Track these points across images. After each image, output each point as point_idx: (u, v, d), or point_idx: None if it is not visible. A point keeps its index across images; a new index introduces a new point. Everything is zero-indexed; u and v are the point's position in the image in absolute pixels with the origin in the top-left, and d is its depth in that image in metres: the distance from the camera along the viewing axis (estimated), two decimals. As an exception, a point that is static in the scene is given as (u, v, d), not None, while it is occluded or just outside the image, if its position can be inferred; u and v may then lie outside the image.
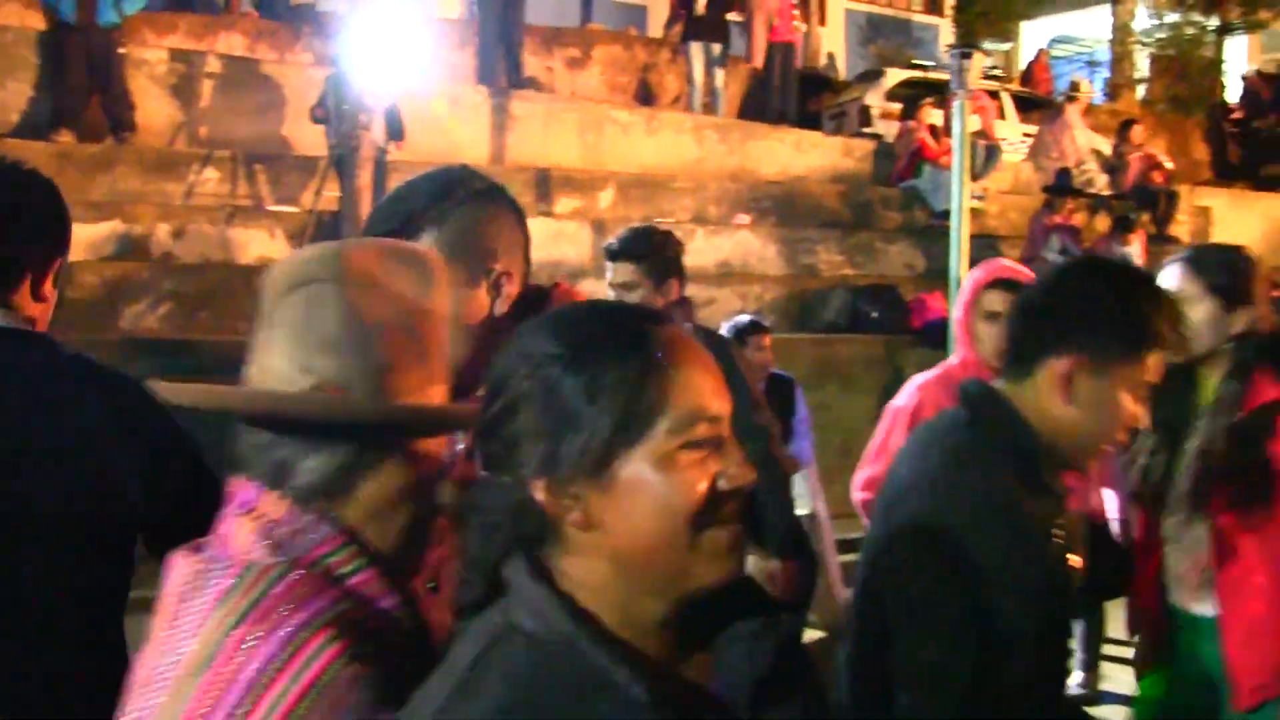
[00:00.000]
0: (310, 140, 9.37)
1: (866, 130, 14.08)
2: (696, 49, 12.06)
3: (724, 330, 5.90)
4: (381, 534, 1.23)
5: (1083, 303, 1.88)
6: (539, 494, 1.10)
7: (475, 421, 1.24)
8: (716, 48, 11.97)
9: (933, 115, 11.99)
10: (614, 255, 3.70)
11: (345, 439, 1.21)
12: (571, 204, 10.39)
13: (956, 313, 3.57)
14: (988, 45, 24.91)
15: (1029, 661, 1.71)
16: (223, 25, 12.11)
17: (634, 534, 1.09)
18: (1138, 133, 13.03)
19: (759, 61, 12.27)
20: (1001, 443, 1.84)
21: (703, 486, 1.09)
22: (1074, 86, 13.39)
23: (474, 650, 1.10)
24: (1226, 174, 17.99)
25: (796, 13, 12.07)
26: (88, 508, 1.82)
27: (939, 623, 1.71)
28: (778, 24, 11.84)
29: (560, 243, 9.83)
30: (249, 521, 1.19)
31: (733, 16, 12.56)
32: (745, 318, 6.04)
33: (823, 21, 23.56)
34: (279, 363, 1.21)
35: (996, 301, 3.38)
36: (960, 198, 8.59)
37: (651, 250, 3.71)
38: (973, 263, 10.78)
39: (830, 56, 21.85)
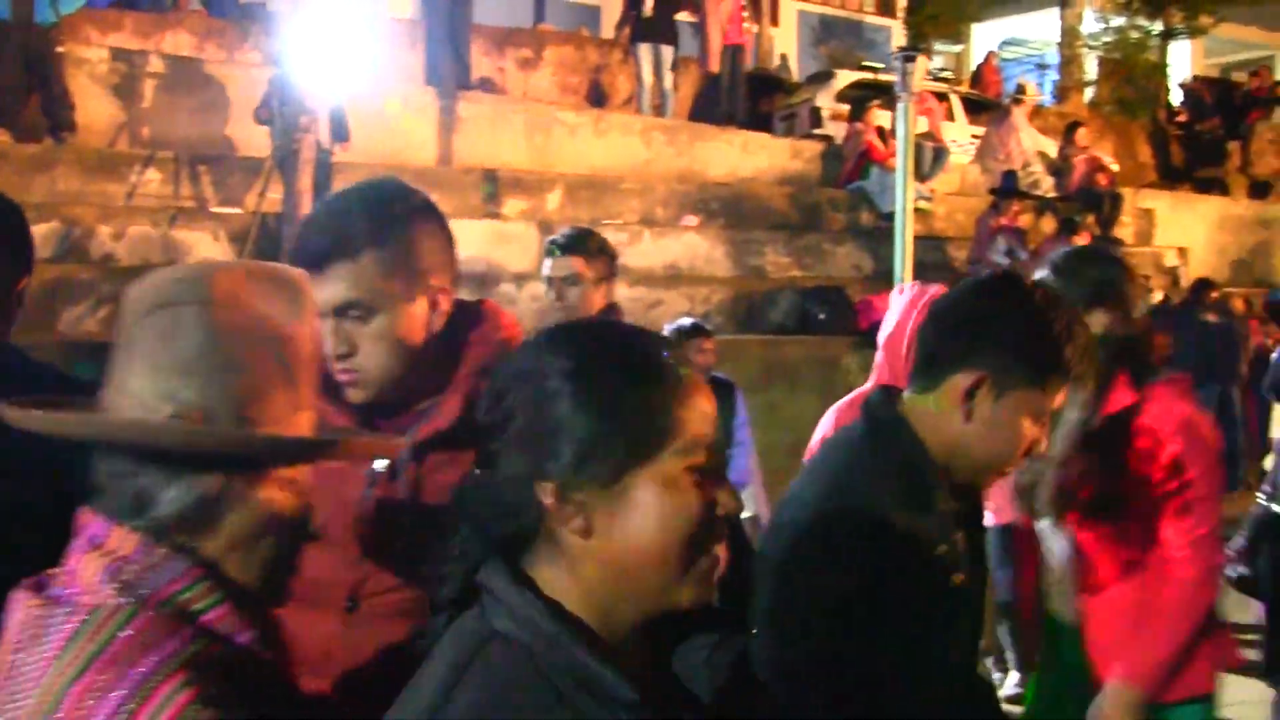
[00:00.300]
0: (255, 141, 9.29)
1: (817, 131, 14.14)
2: (645, 50, 12.06)
3: (665, 333, 5.88)
4: (243, 566, 1.20)
5: (994, 321, 1.85)
6: (546, 497, 1.15)
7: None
8: (666, 49, 11.97)
9: (880, 117, 12.07)
10: (560, 249, 3.72)
11: (207, 468, 1.18)
12: (519, 205, 10.36)
13: (887, 331, 3.44)
14: (939, 47, 25.15)
15: (916, 678, 1.71)
16: (169, 23, 11.99)
17: (632, 546, 1.16)
18: (1083, 135, 13.17)
19: (714, 65, 12.29)
20: (890, 457, 1.81)
21: (700, 509, 1.17)
22: (1020, 89, 13.52)
23: (454, 654, 1.14)
24: (1170, 176, 18.24)
25: (746, 15, 12.05)
26: None
27: (810, 653, 1.72)
28: (728, 27, 11.86)
29: (507, 244, 9.80)
30: (97, 558, 1.14)
31: (684, 17, 12.59)
32: (687, 321, 6.01)
33: (775, 22, 23.64)
34: (138, 386, 1.18)
35: None
36: (904, 200, 8.65)
37: (596, 248, 3.78)
38: (918, 265, 10.92)
39: (783, 58, 21.89)
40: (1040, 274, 2.65)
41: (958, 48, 25.73)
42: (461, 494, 1.22)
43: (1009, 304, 1.87)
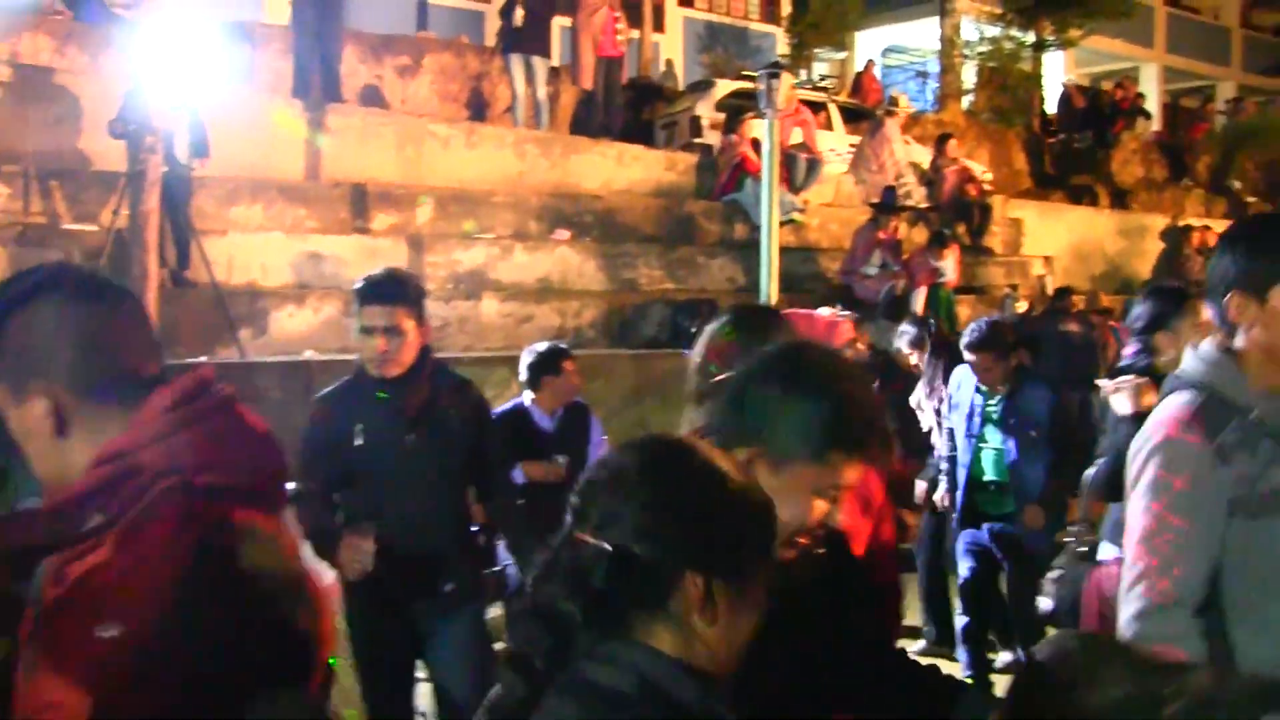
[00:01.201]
0: (111, 155, 8.98)
1: (697, 141, 14.17)
2: (516, 61, 11.95)
3: (526, 358, 5.82)
4: None
5: (762, 401, 1.87)
6: (693, 587, 1.38)
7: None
8: (538, 60, 11.87)
9: (755, 128, 12.12)
10: (377, 297, 3.55)
11: None
12: (388, 220, 10.21)
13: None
14: (824, 54, 25.45)
15: None
16: (27, 26, 11.52)
17: (735, 640, 1.43)
18: (953, 146, 13.41)
19: (586, 80, 12.22)
20: None
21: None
22: (893, 101, 13.71)
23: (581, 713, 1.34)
24: (1044, 183, 18.72)
25: (621, 26, 12.01)
26: None
27: None
28: (601, 40, 11.80)
29: (375, 260, 9.64)
30: None
31: (562, 20, 12.46)
32: (543, 345, 5.95)
33: (661, 29, 23.72)
34: None
35: None
36: (769, 215, 8.72)
37: (415, 295, 3.66)
38: (792, 276, 11.02)
39: (669, 64, 21.96)
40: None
41: (841, 55, 26.06)
42: (555, 553, 1.43)
43: (781, 383, 1.88)
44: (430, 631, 3.73)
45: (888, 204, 11.46)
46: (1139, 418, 4.28)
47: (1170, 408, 2.35)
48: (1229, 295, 2.29)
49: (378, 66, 15.18)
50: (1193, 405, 2.31)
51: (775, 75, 8.71)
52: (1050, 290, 12.19)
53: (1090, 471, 4.43)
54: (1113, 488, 4.36)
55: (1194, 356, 2.38)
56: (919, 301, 10.85)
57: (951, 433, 6.17)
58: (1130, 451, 2.37)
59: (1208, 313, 4.59)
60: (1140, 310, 4.57)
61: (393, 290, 3.57)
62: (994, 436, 5.85)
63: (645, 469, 1.44)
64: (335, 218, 10.02)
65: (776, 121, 8.72)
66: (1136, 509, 2.32)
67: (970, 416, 5.96)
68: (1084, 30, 21.14)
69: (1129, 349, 4.61)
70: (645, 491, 1.41)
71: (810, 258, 11.79)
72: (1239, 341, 2.31)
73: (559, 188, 11.47)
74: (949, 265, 11.10)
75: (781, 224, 11.73)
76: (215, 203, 9.39)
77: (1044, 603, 4.08)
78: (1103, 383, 4.61)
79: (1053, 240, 14.28)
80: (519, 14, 11.66)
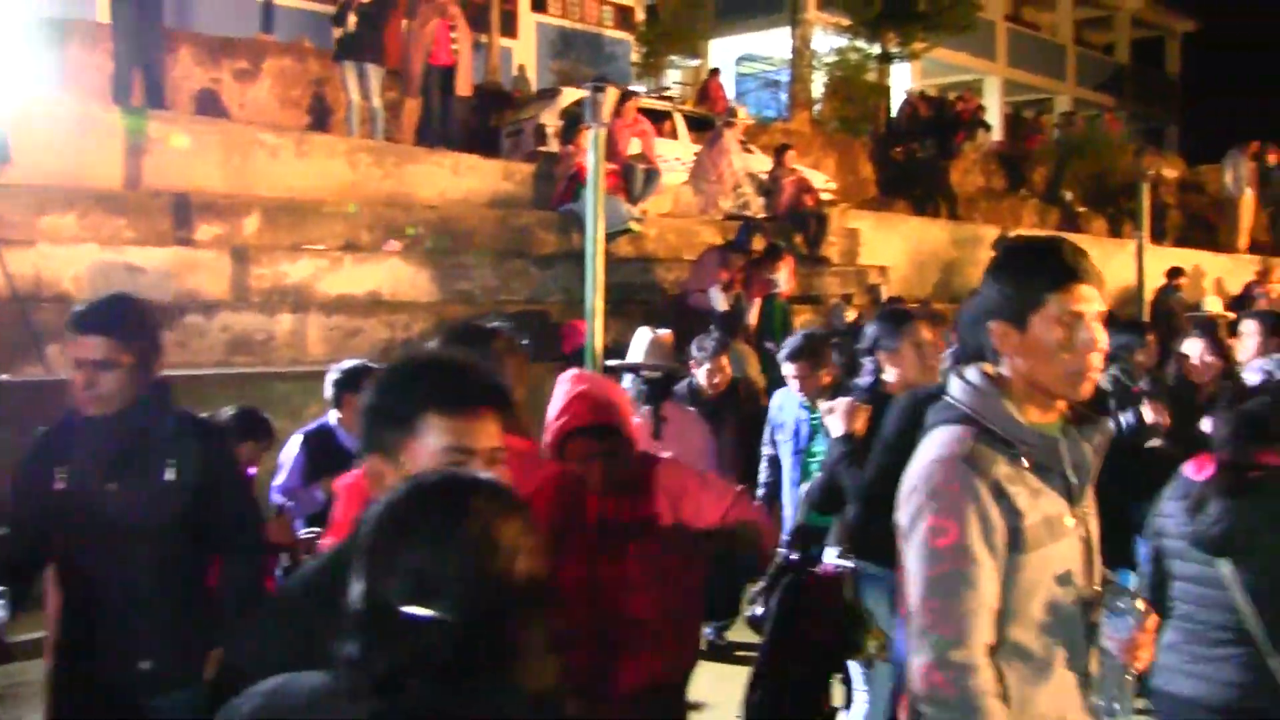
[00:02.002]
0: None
1: (542, 149, 14.12)
2: (349, 68, 11.73)
3: (331, 376, 5.70)
4: None
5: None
6: None
7: None
8: (371, 68, 11.67)
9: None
10: (85, 326, 3.18)
11: None
12: (212, 231, 9.91)
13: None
14: (678, 62, 25.65)
15: None
16: None
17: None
18: (791, 157, 13.61)
19: (413, 89, 12.04)
20: None
21: None
22: (731, 112, 13.86)
23: None
24: (889, 192, 19.17)
25: (455, 35, 11.86)
26: None
27: None
28: (434, 49, 11.65)
29: (197, 273, 9.39)
30: None
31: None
32: (349, 363, 5.84)
33: (514, 34, 23.62)
34: None
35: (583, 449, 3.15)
36: (594, 228, 8.68)
37: (132, 322, 3.29)
38: (628, 286, 11.03)
39: (521, 69, 21.90)
40: None
41: (695, 63, 26.31)
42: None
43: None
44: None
45: (739, 244, 11.52)
46: (848, 438, 4.43)
47: (942, 442, 2.35)
48: (993, 323, 2.32)
49: (215, 70, 14.80)
50: (965, 441, 2.31)
51: (600, 89, 8.68)
52: (884, 299, 12.45)
53: (807, 486, 4.60)
54: (826, 501, 4.49)
55: (961, 385, 2.39)
56: (753, 313, 10.97)
57: (772, 459, 6.22)
58: (905, 488, 2.35)
59: (927, 333, 4.74)
60: (869, 330, 4.71)
61: (104, 319, 3.19)
62: (821, 448, 5.86)
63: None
64: (155, 229, 9.69)
65: (601, 134, 8.68)
66: (917, 550, 2.29)
67: (796, 432, 6.00)
68: (927, 43, 21.72)
69: (866, 369, 4.75)
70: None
71: (647, 268, 11.83)
72: (1005, 369, 2.35)
73: (393, 198, 11.29)
74: (783, 277, 11.25)
75: (618, 234, 11.81)
76: (23, 211, 9.00)
77: (754, 609, 4.24)
78: (821, 404, 4.72)
79: (889, 250, 14.59)
80: (351, 20, 11.45)
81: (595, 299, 8.63)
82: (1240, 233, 19.47)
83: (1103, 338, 2.29)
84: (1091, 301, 2.28)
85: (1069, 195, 20.91)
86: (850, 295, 12.47)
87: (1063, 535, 2.30)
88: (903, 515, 2.33)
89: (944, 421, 2.37)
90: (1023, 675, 2.28)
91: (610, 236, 11.69)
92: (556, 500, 2.91)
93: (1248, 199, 19.22)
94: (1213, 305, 13.19)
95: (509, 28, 23.39)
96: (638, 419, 5.30)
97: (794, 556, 4.61)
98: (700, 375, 6.93)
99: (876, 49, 21.24)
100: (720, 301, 10.75)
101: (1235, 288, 16.62)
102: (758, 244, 12.54)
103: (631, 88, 16.31)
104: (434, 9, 11.56)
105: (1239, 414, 3.35)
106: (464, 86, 12.06)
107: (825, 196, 15.61)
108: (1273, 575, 3.27)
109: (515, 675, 1.48)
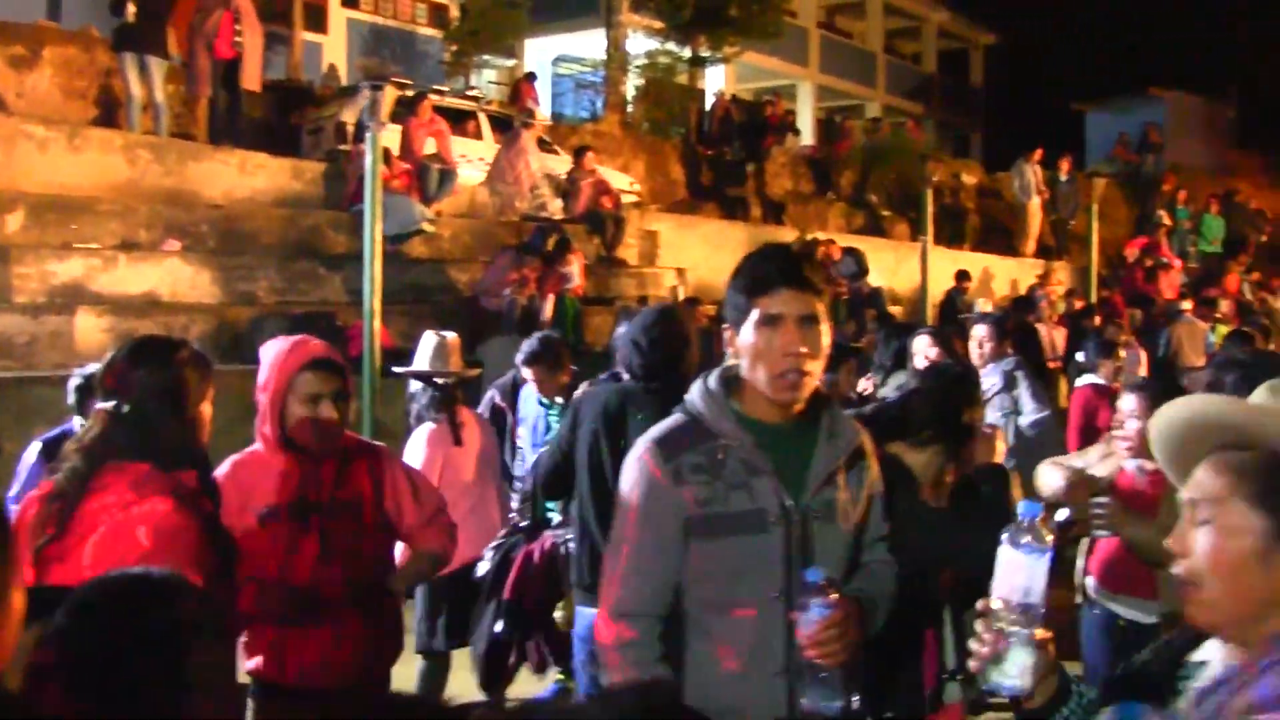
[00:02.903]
0: None
1: (343, 148, 13.86)
2: (130, 60, 11.27)
3: (74, 381, 5.49)
4: None
5: None
6: None
7: None
8: (154, 60, 11.23)
9: (384, 138, 11.97)
10: None
11: None
12: (-28, 229, 9.46)
13: (262, 396, 3.35)
14: (493, 61, 25.49)
15: None
16: None
17: None
18: (590, 159, 13.66)
19: (201, 85, 11.64)
20: None
21: None
22: (529, 113, 13.86)
23: None
24: (699, 194, 19.44)
25: (239, 28, 11.52)
26: None
27: None
28: (216, 41, 11.31)
29: (-48, 272, 8.94)
30: None
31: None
32: (92, 367, 5.63)
33: (323, 30, 23.18)
34: None
35: (315, 383, 3.28)
36: (372, 230, 8.62)
37: None
38: (422, 288, 10.94)
39: (331, 67, 21.48)
40: None
41: (510, 63, 26.21)
42: None
43: None
44: None
45: (533, 246, 11.53)
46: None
47: (655, 429, 2.46)
48: (725, 327, 2.42)
49: (-11, 58, 14.07)
50: (667, 429, 2.43)
51: (379, 88, 8.65)
52: (681, 300, 12.63)
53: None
54: (549, 485, 4.61)
55: (696, 387, 2.48)
56: (547, 310, 11.01)
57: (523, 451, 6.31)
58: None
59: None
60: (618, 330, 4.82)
61: None
62: None
63: None
64: (-94, 227, 9.20)
65: (379, 134, 8.64)
66: (614, 525, 2.47)
67: (535, 428, 6.12)
68: (738, 48, 22.08)
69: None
70: None
71: (441, 269, 11.74)
72: (743, 371, 2.41)
73: (174, 196, 10.93)
74: (574, 270, 11.33)
75: (411, 235, 11.71)
76: None
77: (480, 568, 4.41)
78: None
79: (689, 252, 14.79)
80: (130, 10, 11.02)
81: (374, 300, 8.59)
82: (1028, 237, 20.42)
83: (813, 342, 2.34)
84: (794, 305, 2.33)
85: (874, 199, 21.56)
86: (646, 297, 12.61)
87: (760, 530, 2.36)
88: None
89: (675, 411, 2.50)
90: (708, 657, 2.38)
91: (403, 237, 11.63)
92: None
93: (1034, 205, 20.18)
94: (984, 306, 13.78)
95: (318, 23, 22.93)
96: (432, 424, 5.30)
97: (523, 524, 5.02)
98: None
99: (688, 53, 21.49)
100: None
101: (1024, 289, 17.46)
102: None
103: (438, 87, 16.19)
104: (218, 0, 11.22)
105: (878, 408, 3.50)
106: (251, 81, 11.72)
107: (631, 199, 15.76)
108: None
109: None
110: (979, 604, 1.78)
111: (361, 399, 8.46)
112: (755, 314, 2.33)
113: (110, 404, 2.67)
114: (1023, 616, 1.71)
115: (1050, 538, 1.73)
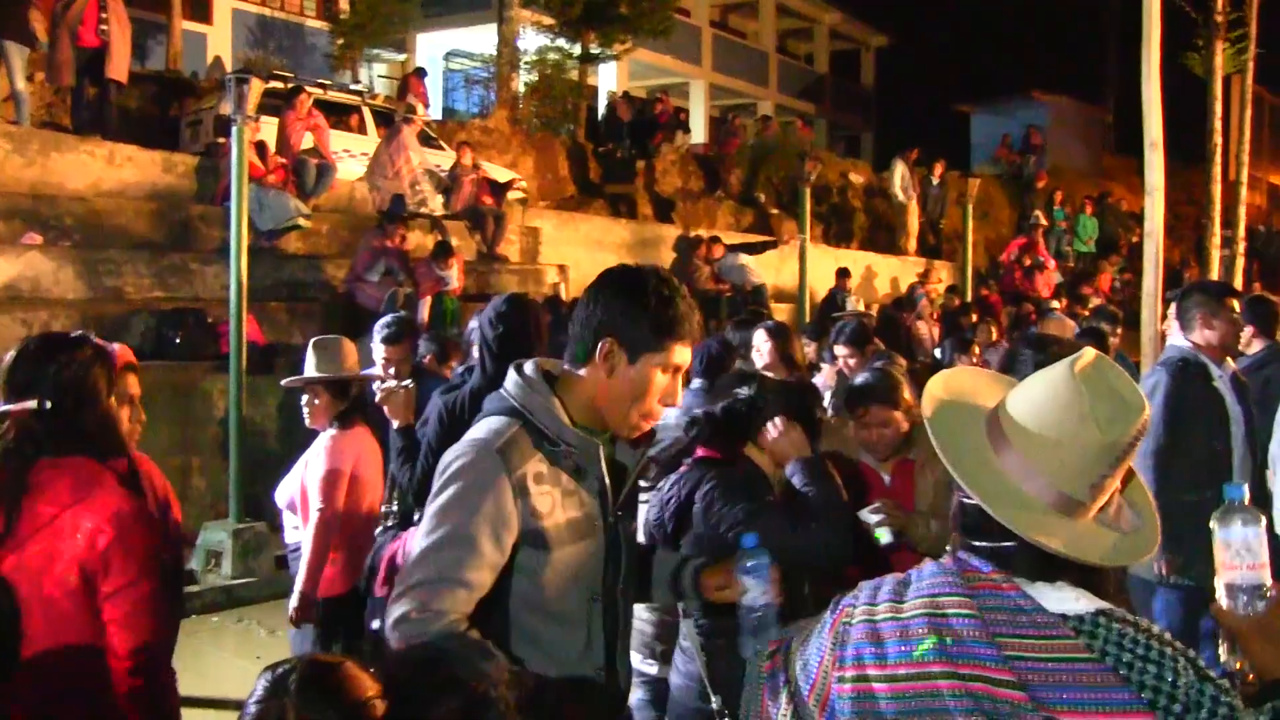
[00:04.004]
0: None
1: (222, 141, 13.61)
2: (-12, 47, 10.96)
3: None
4: None
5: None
6: None
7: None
8: (14, 47, 10.90)
9: (260, 131, 11.81)
10: None
11: None
12: None
13: None
14: (385, 55, 25.25)
15: None
16: None
17: None
18: (470, 154, 13.60)
19: (64, 75, 11.34)
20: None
21: None
22: (411, 109, 13.76)
23: None
24: (588, 191, 19.46)
25: (105, 15, 11.22)
26: None
27: None
28: (81, 29, 11.02)
29: None
30: None
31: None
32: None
33: (209, 20, 22.75)
34: None
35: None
36: (238, 226, 8.50)
37: None
38: (298, 284, 10.82)
39: (217, 59, 21.08)
40: None
41: (401, 57, 25.98)
42: None
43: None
44: None
45: (394, 213, 11.50)
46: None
47: (486, 428, 2.38)
48: (607, 339, 2.32)
49: None
50: (503, 433, 2.34)
51: (244, 81, 8.52)
52: (563, 298, 12.64)
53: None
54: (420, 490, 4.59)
55: (515, 379, 2.42)
56: (424, 310, 10.97)
57: None
58: (443, 461, 2.37)
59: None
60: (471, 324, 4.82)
61: None
62: None
63: None
64: None
65: (246, 128, 8.53)
66: (429, 519, 2.31)
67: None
68: (629, 45, 22.14)
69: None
70: None
71: (316, 265, 11.62)
72: (584, 372, 2.37)
73: (36, 188, 10.65)
74: (453, 274, 11.30)
75: (287, 230, 11.57)
76: None
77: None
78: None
79: (571, 249, 14.82)
80: (-15, -6, 10.70)
81: (241, 299, 8.47)
82: (909, 236, 20.85)
83: (679, 394, 2.42)
84: (689, 357, 2.39)
85: (762, 197, 21.76)
86: (527, 294, 12.60)
87: (591, 536, 2.38)
88: (437, 479, 2.35)
89: (495, 411, 2.41)
90: (540, 665, 2.33)
91: (278, 233, 11.49)
92: None
93: (912, 205, 20.62)
94: (857, 305, 14.05)
95: (202, 13, 22.51)
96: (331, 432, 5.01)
97: (391, 525, 4.80)
98: None
99: (578, 49, 21.50)
100: (380, 268, 10.79)
101: (904, 287, 17.84)
102: (423, 239, 12.57)
103: (321, 80, 15.97)
104: (84, -12, 10.94)
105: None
106: (117, 71, 11.42)
107: (517, 195, 15.72)
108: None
109: None
110: (1211, 606, 1.80)
111: (229, 398, 8.36)
112: (660, 357, 2.34)
113: (30, 402, 2.61)
114: (1256, 596, 1.73)
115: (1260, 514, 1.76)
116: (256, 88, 8.57)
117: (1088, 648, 1.62)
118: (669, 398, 2.38)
